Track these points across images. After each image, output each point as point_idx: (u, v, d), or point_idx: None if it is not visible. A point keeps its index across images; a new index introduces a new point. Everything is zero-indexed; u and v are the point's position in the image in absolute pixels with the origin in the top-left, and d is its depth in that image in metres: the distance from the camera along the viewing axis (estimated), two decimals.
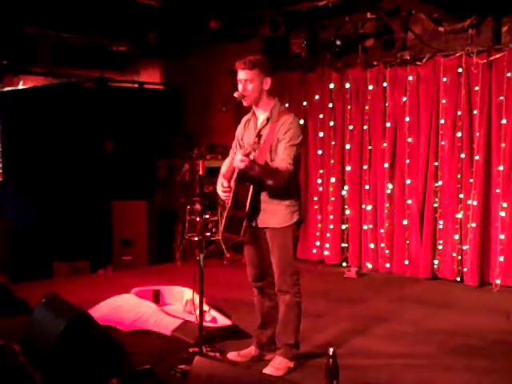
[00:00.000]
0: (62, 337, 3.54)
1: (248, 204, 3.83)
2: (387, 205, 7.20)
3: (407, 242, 7.05)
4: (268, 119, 3.93)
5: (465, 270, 6.59)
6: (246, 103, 3.95)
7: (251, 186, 3.83)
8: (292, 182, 3.90)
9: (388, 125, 7.16)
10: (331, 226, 7.69)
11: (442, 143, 6.75)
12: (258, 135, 3.96)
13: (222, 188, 3.99)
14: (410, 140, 7.00)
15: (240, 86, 3.90)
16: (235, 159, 3.70)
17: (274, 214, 3.91)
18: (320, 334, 4.79)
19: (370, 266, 7.35)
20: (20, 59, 8.44)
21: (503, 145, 6.36)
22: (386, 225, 7.21)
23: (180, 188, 8.20)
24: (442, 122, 6.73)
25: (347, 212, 7.59)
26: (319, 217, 7.83)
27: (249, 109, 4.07)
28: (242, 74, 3.88)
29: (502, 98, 6.30)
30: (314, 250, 7.87)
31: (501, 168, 6.37)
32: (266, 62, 3.95)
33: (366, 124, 7.37)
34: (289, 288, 3.97)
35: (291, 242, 3.95)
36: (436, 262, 6.84)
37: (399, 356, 4.39)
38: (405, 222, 7.04)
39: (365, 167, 7.40)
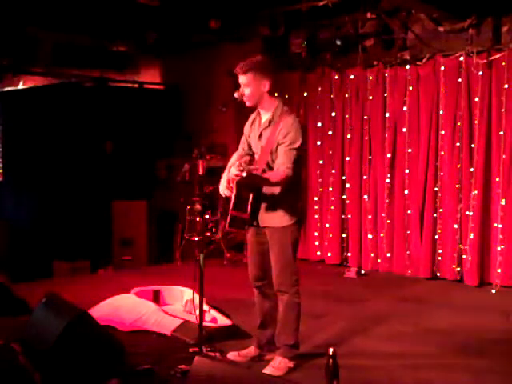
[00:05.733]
0: (62, 337, 3.54)
1: (249, 208, 3.84)
2: (387, 200, 7.19)
3: (407, 242, 7.05)
4: (270, 121, 3.93)
5: (465, 270, 6.59)
6: (248, 104, 3.96)
7: (251, 193, 3.83)
8: (293, 183, 3.88)
9: (388, 124, 7.16)
10: (331, 226, 7.69)
11: (442, 143, 6.75)
12: (260, 136, 3.97)
13: (226, 184, 3.98)
14: (409, 140, 6.99)
15: (241, 90, 3.91)
16: (231, 171, 3.73)
17: (274, 214, 3.91)
18: (320, 334, 4.78)
19: (369, 265, 7.35)
20: (20, 59, 8.44)
21: (503, 144, 6.36)
22: (388, 221, 7.19)
23: (180, 188, 8.20)
24: (442, 121, 6.73)
25: (347, 213, 7.59)
26: (318, 216, 7.83)
27: (248, 108, 4.06)
28: (239, 79, 3.91)
29: (502, 98, 6.30)
30: (314, 250, 7.87)
31: (501, 168, 6.37)
32: (263, 63, 3.92)
33: (366, 125, 7.37)
34: (287, 288, 3.96)
35: (290, 242, 3.95)
36: (436, 262, 6.85)
37: (399, 356, 4.39)
38: (405, 222, 7.04)
39: (365, 167, 7.41)
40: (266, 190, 3.88)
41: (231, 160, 4.16)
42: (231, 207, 3.90)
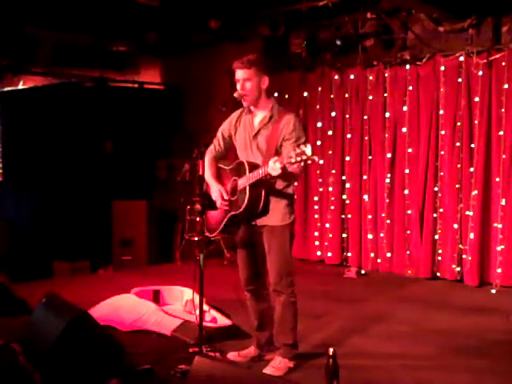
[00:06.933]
0: (62, 337, 3.54)
1: (261, 207, 3.82)
2: (387, 200, 7.19)
3: (407, 242, 7.05)
4: (270, 118, 3.92)
5: (465, 270, 6.59)
6: (246, 103, 3.93)
7: (263, 190, 3.82)
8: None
9: (388, 124, 7.17)
10: (331, 226, 7.69)
11: (442, 143, 6.75)
12: (256, 134, 3.95)
13: (222, 201, 3.94)
14: (409, 140, 6.99)
15: (238, 86, 3.88)
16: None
17: (274, 212, 3.90)
18: (320, 334, 4.79)
19: (369, 265, 7.35)
20: (20, 59, 8.44)
21: (503, 144, 6.35)
22: (388, 221, 7.19)
23: (180, 188, 8.20)
24: (442, 121, 6.73)
25: (347, 213, 7.59)
26: (318, 216, 7.83)
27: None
28: (240, 74, 3.87)
29: (502, 98, 6.30)
30: (314, 250, 7.87)
31: (501, 168, 6.37)
32: (263, 60, 3.94)
33: (366, 125, 7.37)
34: (284, 288, 3.95)
35: (288, 241, 3.96)
36: (436, 262, 6.84)
37: (399, 356, 4.38)
38: (405, 222, 7.04)
39: (365, 167, 7.41)
40: (273, 187, 3.86)
41: (206, 157, 4.08)
42: (242, 209, 3.82)
